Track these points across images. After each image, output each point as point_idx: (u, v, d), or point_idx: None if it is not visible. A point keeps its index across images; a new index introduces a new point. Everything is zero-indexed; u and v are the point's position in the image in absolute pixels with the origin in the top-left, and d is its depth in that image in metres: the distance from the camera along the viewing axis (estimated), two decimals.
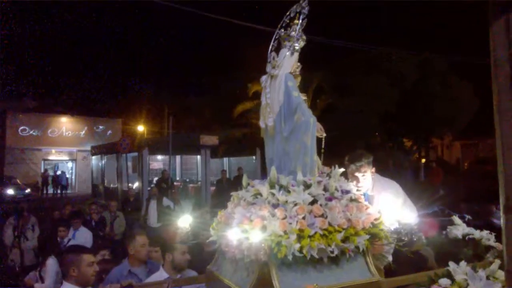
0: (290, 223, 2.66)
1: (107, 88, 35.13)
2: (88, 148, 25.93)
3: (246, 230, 2.69)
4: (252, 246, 2.59)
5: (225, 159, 22.15)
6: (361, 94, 19.39)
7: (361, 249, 2.77)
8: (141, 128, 31.44)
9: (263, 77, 3.30)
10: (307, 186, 2.89)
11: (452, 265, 2.58)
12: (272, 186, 2.91)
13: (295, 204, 2.75)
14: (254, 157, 18.59)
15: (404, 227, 2.95)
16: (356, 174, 3.66)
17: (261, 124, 3.26)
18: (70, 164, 30.66)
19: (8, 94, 30.05)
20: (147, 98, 32.23)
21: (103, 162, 21.92)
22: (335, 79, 20.04)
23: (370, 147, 19.76)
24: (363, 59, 20.35)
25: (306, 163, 3.03)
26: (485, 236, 3.52)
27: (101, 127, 31.15)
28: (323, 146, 3.24)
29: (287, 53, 3.22)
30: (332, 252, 2.64)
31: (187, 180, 22.68)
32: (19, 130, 28.28)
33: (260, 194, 2.92)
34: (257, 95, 18.97)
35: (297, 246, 2.57)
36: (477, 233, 3.58)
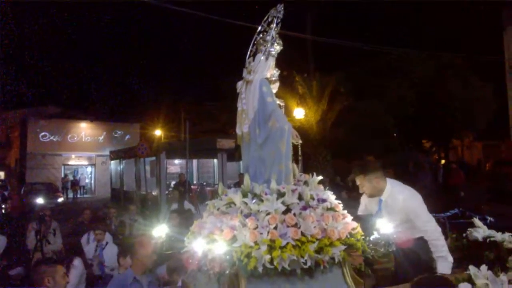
0: (261, 233, 2.55)
1: (125, 93, 35.66)
2: (107, 152, 26.28)
3: (211, 241, 2.60)
4: (216, 258, 2.50)
5: (242, 162, 22.10)
6: (379, 96, 19.24)
7: (336, 260, 2.64)
8: (158, 132, 31.69)
9: (239, 83, 3.23)
10: (280, 194, 2.78)
11: (472, 269, 2.52)
12: (245, 195, 2.82)
13: (268, 214, 2.65)
14: None
15: (382, 237, 2.84)
16: (364, 182, 3.53)
17: (237, 131, 3.19)
18: (89, 169, 31.08)
19: (28, 101, 30.82)
20: (164, 102, 32.54)
21: (121, 166, 22.17)
22: (353, 81, 19.91)
23: (388, 148, 19.56)
24: (381, 61, 20.18)
25: (281, 171, 2.93)
26: (507, 239, 3.41)
27: (119, 132, 31.49)
28: (299, 153, 3.16)
29: (262, 58, 3.14)
30: (305, 263, 2.52)
31: (204, 183, 22.78)
32: (40, 136, 28.78)
33: (234, 203, 2.83)
34: None
35: (268, 257, 2.47)
36: (498, 236, 3.48)
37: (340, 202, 3.06)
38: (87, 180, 30.80)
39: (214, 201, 3.01)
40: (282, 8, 3.18)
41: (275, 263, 2.47)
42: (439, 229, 3.33)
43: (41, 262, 3.53)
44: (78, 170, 30.78)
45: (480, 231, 3.62)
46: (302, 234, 2.60)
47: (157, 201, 14.74)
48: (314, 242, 2.58)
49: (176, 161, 22.62)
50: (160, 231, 3.46)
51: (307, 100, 18.81)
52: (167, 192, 15.55)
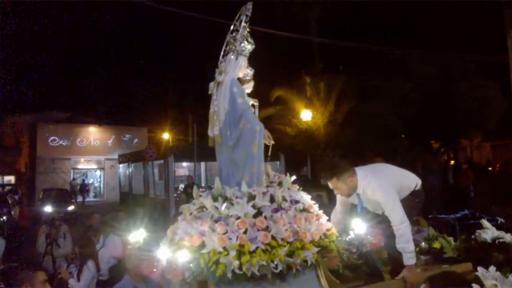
0: (230, 239, 2.48)
1: (132, 97, 35.80)
2: (116, 156, 26.37)
3: (180, 247, 2.54)
4: (179, 266, 2.45)
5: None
6: (385, 97, 19.14)
7: (309, 263, 2.57)
8: (166, 136, 31.69)
9: (211, 84, 3.14)
10: (251, 197, 2.70)
11: (481, 270, 2.51)
12: (215, 199, 2.76)
13: (238, 218, 2.57)
14: (278, 162, 18.59)
15: (356, 238, 2.77)
16: (338, 184, 3.32)
17: (209, 133, 3.11)
18: (98, 173, 31.21)
19: (38, 106, 31.11)
20: (171, 106, 32.64)
21: (130, 170, 22.23)
22: (359, 83, 19.86)
23: (396, 149, 19.44)
24: (386, 62, 20.09)
25: (252, 173, 2.86)
26: None
27: (127, 135, 31.56)
28: (269, 154, 3.07)
29: (232, 57, 3.07)
30: (275, 268, 2.45)
31: (212, 186, 22.76)
32: (49, 141, 28.93)
33: (206, 207, 2.76)
34: (279, 101, 18.92)
35: (236, 263, 2.39)
36: (508, 237, 3.46)
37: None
38: (96, 184, 31.01)
39: (188, 205, 2.95)
40: (251, 6, 3.12)
41: (244, 268, 2.40)
42: (400, 218, 3.09)
43: (22, 267, 3.50)
44: (88, 174, 30.99)
45: (489, 232, 3.59)
46: (273, 237, 2.53)
47: (166, 204, 14.76)
48: (284, 246, 2.51)
49: (184, 164, 22.63)
50: (137, 236, 3.44)
51: (314, 102, 18.80)
52: (175, 195, 15.58)
